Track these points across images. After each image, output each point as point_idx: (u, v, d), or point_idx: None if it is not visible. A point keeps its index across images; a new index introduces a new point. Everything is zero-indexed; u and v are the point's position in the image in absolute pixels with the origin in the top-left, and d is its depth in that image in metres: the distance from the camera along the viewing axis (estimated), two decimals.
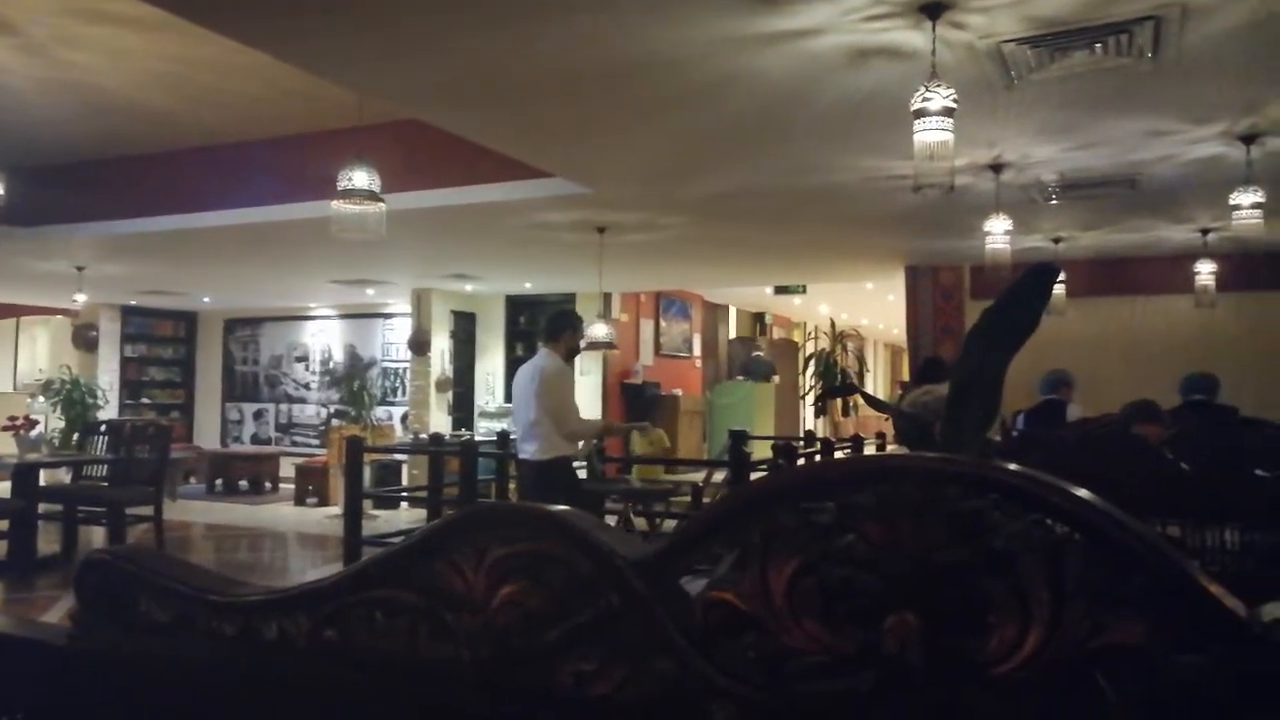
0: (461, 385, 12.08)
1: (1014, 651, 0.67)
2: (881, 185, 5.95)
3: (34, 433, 7.48)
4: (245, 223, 7.19)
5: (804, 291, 12.64)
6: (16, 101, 6.06)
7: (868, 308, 15.45)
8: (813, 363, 14.62)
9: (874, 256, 9.13)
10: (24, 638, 1.06)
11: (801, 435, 10.71)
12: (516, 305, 12.24)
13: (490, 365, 12.34)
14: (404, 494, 10.00)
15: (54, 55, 5.35)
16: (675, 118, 4.72)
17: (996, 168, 5.61)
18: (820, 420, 15.60)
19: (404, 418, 11.93)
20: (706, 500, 7.06)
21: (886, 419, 10.84)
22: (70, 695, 1.03)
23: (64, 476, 8.41)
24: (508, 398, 11.82)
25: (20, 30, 5.03)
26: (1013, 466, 0.70)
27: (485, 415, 11.90)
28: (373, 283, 10.93)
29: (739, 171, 5.77)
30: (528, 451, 5.12)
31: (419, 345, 11.45)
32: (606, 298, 10.87)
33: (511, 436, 7.86)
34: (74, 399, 11.20)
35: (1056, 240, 7.83)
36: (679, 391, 12.31)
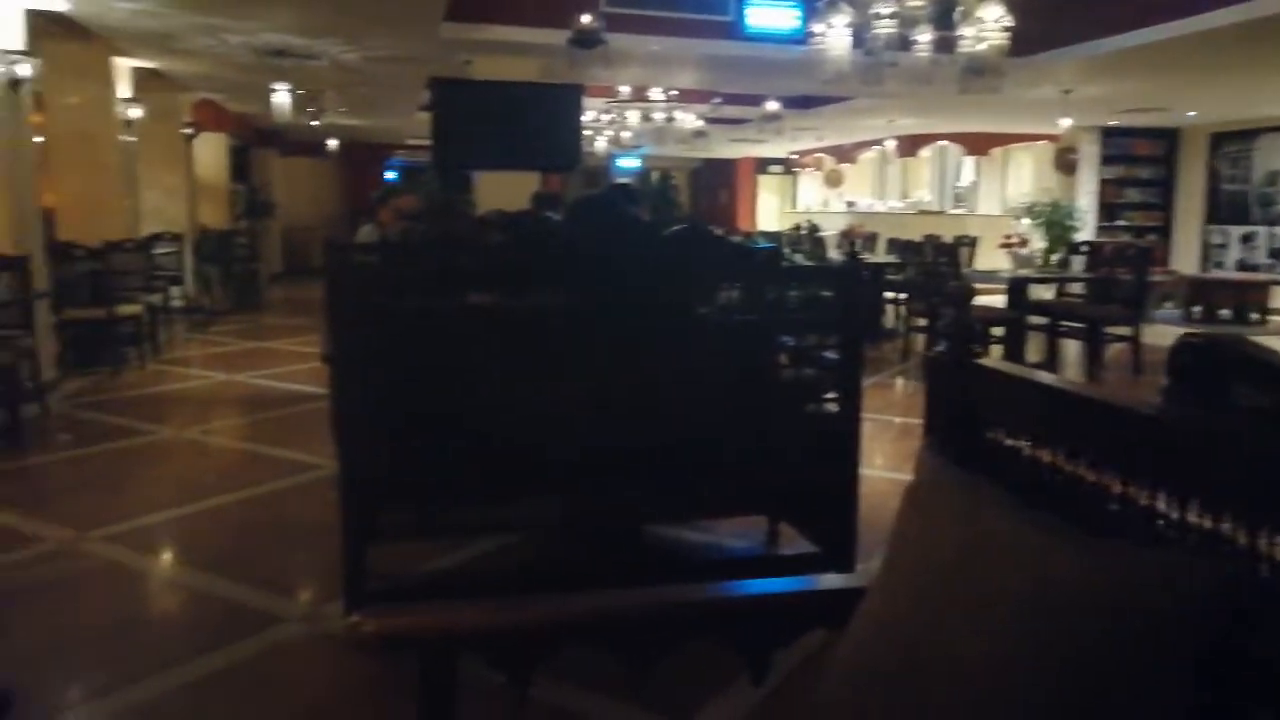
0: None
1: None
2: None
3: (1024, 250, 8.19)
4: (1239, 20, 6.46)
5: None
6: None
7: None
8: None
9: None
10: (1119, 406, 1.19)
11: None
12: None
13: None
14: None
15: None
16: None
17: None
18: None
19: None
20: None
21: None
22: (1158, 461, 1.13)
23: (1045, 292, 9.05)
24: None
25: None
26: None
27: None
28: None
29: None
30: None
31: None
32: None
33: None
34: (1054, 220, 11.82)
35: None
36: None
